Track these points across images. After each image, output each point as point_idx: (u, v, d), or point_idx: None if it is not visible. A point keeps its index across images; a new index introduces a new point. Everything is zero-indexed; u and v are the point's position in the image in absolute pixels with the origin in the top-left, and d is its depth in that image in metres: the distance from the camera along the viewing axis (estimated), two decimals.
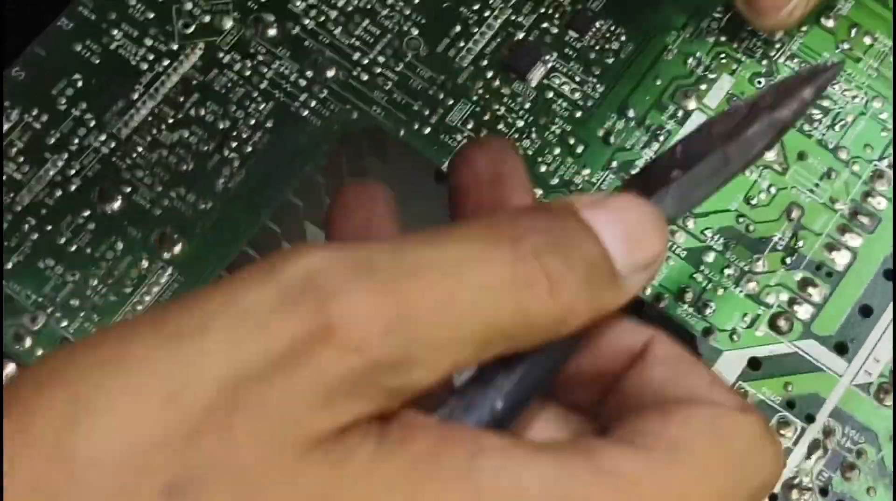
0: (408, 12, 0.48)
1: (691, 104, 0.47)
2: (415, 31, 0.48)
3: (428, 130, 0.47)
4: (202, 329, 0.22)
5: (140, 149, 0.46)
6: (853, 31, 0.48)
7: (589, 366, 0.28)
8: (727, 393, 0.27)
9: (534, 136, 0.47)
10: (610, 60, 0.48)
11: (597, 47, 0.48)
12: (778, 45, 0.48)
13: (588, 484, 0.24)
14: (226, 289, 0.23)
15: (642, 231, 0.27)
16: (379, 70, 0.48)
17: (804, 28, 0.48)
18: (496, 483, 0.23)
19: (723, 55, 0.48)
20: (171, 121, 0.47)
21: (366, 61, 0.48)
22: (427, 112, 0.47)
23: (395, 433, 0.23)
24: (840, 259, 0.45)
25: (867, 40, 0.48)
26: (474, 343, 0.24)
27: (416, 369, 0.23)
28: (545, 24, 0.48)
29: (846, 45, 0.48)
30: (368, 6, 0.48)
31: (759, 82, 0.47)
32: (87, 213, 0.45)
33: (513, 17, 0.48)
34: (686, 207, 0.29)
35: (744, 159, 0.30)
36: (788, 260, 0.45)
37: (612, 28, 0.48)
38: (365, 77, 0.48)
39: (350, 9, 0.48)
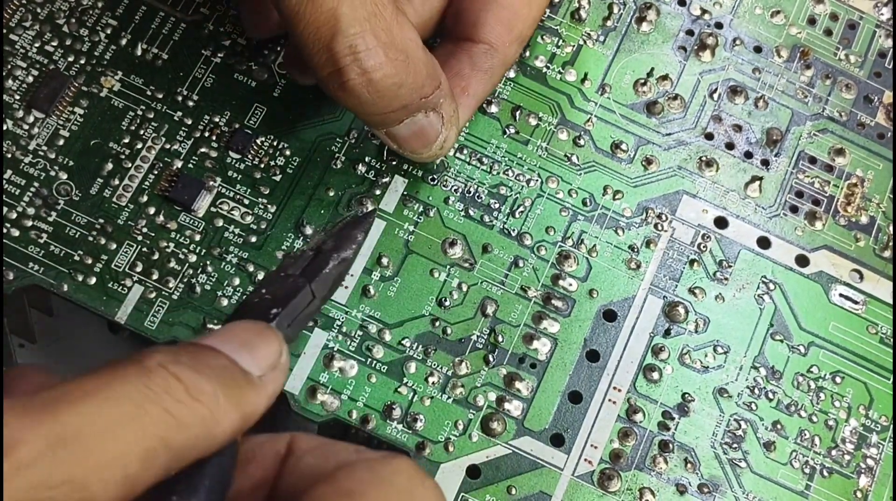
0: (53, 156, 0.45)
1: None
2: (63, 176, 0.45)
3: (94, 281, 0.43)
4: None
5: None
6: (517, 115, 0.47)
7: (247, 480, 0.32)
8: (373, 452, 0.32)
9: (210, 269, 0.44)
10: (277, 177, 0.46)
11: (261, 165, 0.46)
12: None
13: None
14: None
15: (254, 339, 0.32)
16: (30, 223, 0.44)
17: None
18: None
19: (392, 157, 0.46)
20: None
21: (14, 215, 0.44)
22: (90, 261, 0.44)
23: None
24: (542, 348, 0.44)
25: (532, 121, 0.47)
26: (137, 456, 0.27)
27: (92, 485, 0.26)
28: (203, 149, 0.46)
29: (512, 129, 0.47)
30: (9, 155, 0.44)
31: (433, 179, 0.46)
32: None
33: (167, 146, 0.46)
34: (294, 332, 0.34)
35: (325, 292, 0.35)
36: (491, 358, 0.44)
37: (275, 143, 0.46)
38: (16, 233, 0.44)
39: None
